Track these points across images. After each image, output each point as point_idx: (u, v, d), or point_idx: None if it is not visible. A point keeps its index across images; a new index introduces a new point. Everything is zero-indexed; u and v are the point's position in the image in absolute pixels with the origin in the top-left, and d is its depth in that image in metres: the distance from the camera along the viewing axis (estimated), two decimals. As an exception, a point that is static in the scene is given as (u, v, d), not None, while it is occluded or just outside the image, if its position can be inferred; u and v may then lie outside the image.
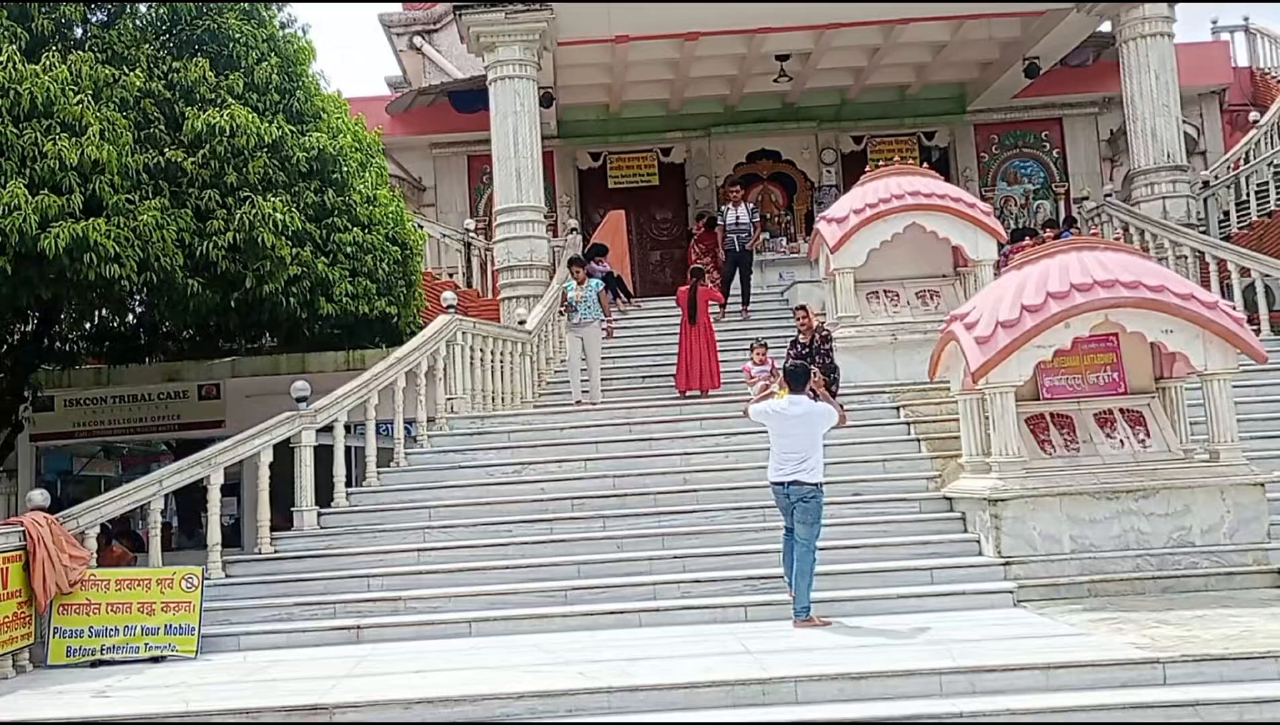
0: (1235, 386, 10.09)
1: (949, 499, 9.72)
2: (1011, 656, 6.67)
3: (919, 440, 10.86)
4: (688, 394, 13.02)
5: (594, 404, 12.79)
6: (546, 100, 18.83)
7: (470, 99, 20.78)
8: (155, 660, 8.42)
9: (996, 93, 20.98)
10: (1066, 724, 5.99)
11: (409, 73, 25.85)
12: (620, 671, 6.89)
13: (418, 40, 24.96)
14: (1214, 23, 22.91)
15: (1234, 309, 9.46)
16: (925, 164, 21.62)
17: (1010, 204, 21.86)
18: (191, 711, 6.72)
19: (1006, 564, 8.74)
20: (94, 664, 8.42)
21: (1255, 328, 13.73)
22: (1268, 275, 13.89)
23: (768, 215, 21.79)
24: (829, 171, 22.04)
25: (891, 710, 6.22)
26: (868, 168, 15.85)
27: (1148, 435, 9.29)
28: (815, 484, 8.21)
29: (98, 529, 9.10)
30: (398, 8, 25.40)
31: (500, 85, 16.55)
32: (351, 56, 53.10)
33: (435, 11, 24.76)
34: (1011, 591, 8.47)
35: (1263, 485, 8.83)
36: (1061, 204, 21.45)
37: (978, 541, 9.10)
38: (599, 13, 16.55)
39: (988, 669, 6.51)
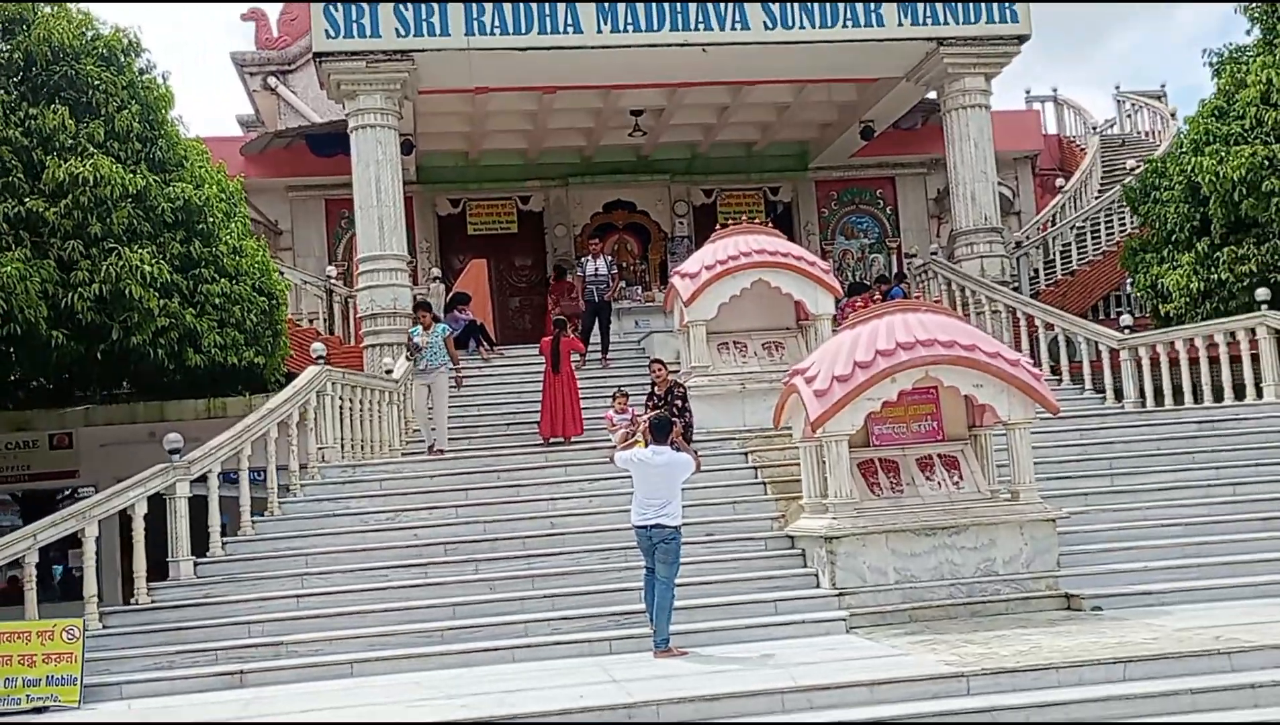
0: (1035, 433, 11.51)
1: (791, 537, 10.71)
2: (842, 676, 7.65)
3: (765, 483, 11.85)
4: (551, 441, 13.75)
5: (441, 453, 13.10)
6: (407, 147, 19.25)
7: (328, 142, 20.97)
8: (38, 711, 8.63)
9: (836, 152, 22.41)
10: (857, 721, 7.02)
11: (263, 112, 25.80)
12: (499, 702, 7.58)
13: (272, 81, 24.90)
14: (1028, 92, 25.17)
15: (1034, 366, 10.76)
16: (770, 218, 23.05)
17: (848, 257, 23.36)
18: (90, 755, 7.09)
19: (840, 595, 9.76)
20: (-24, 716, 8.61)
21: (1058, 378, 15.39)
22: (1067, 330, 15.49)
23: (624, 264, 22.72)
24: (681, 222, 23.10)
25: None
26: (719, 224, 16.91)
27: (961, 478, 10.48)
28: (675, 527, 9.04)
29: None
30: (250, 45, 25.38)
31: (362, 134, 16.87)
32: (203, 92, 52.24)
33: (290, 52, 24.80)
34: (844, 619, 9.49)
35: (1054, 521, 10.11)
36: (894, 258, 23.03)
37: (816, 575, 10.11)
38: (459, 64, 17.06)
39: (822, 687, 7.45)
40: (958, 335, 10.08)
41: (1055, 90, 25.05)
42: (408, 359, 14.17)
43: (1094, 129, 23.85)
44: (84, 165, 11.69)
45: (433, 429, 13.43)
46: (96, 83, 12.54)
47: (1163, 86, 24.83)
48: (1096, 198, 20.77)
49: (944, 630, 9.13)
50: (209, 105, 53.75)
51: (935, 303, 12.95)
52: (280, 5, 24.37)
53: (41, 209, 11.66)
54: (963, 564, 9.93)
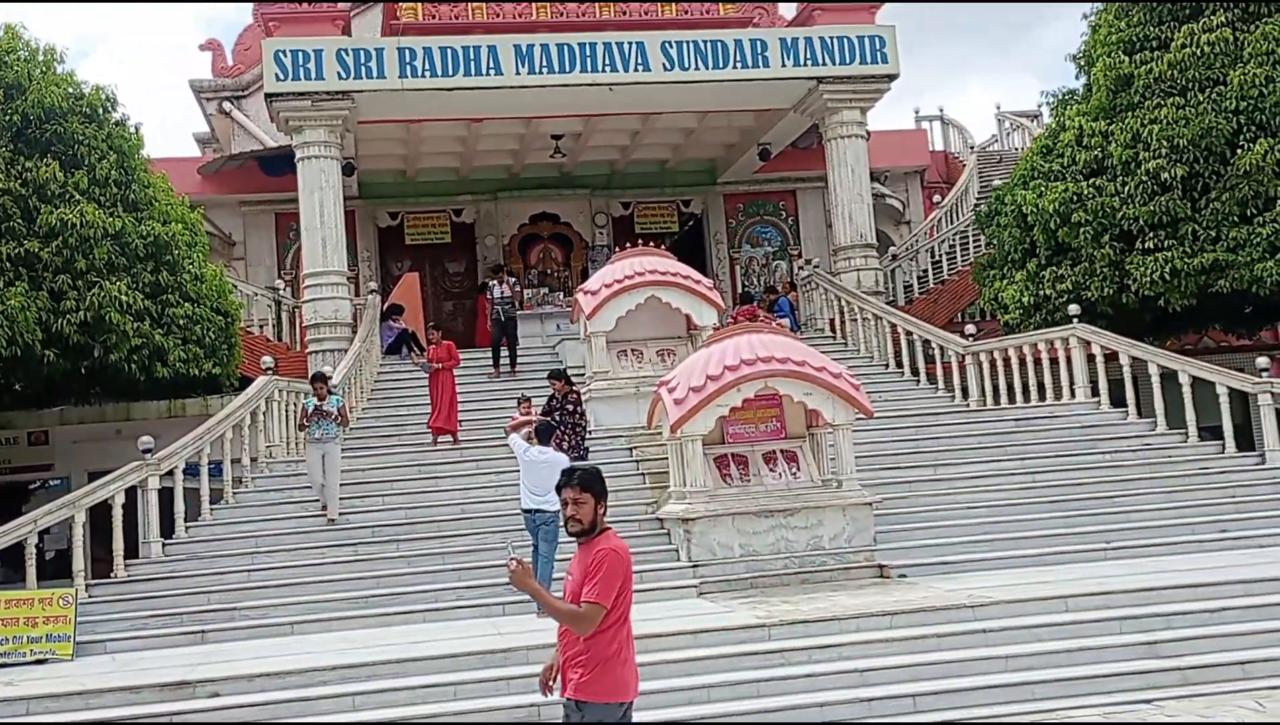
0: (879, 428, 13.79)
1: (660, 519, 12.89)
2: (676, 626, 9.84)
3: (644, 474, 14.01)
4: (440, 439, 15.53)
5: (332, 522, 12.98)
6: (349, 169, 21.13)
7: (277, 164, 22.81)
8: (39, 662, 10.59)
9: (741, 168, 24.51)
10: (678, 659, 9.22)
11: (218, 132, 27.68)
12: (406, 650, 9.68)
13: (227, 105, 26.85)
14: (916, 112, 27.55)
15: (854, 377, 13.00)
16: (685, 226, 25.29)
17: (753, 264, 25.53)
18: (88, 690, 9.09)
19: (695, 567, 11.96)
20: (-11, 666, 10.53)
21: (916, 378, 17.72)
22: (921, 336, 17.80)
23: (549, 271, 24.88)
24: (601, 233, 25.16)
25: (590, 664, 9.29)
26: (638, 241, 18.96)
27: (799, 469, 12.73)
28: (554, 512, 11.17)
29: (-12, 560, 11.24)
30: (206, 73, 27.21)
31: (307, 164, 18.91)
32: (162, 112, 53.85)
33: (244, 79, 26.71)
34: (696, 586, 11.69)
35: (871, 504, 12.37)
36: (796, 265, 25.28)
37: (677, 551, 12.31)
38: (395, 101, 19.10)
39: (658, 635, 9.58)
40: (791, 352, 12.31)
41: (941, 110, 27.50)
42: (300, 429, 14.01)
43: (971, 148, 26.23)
44: (72, 212, 13.82)
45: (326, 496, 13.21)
46: (81, 138, 14.64)
47: (1039, 106, 27.26)
48: (973, 211, 23.10)
49: (774, 594, 11.37)
50: (170, 126, 55.37)
51: (777, 325, 15.16)
52: (235, 35, 26.24)
53: (37, 249, 13.73)
54: (796, 540, 12.17)
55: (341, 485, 13.79)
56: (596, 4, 20.37)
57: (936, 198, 24.05)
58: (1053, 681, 8.83)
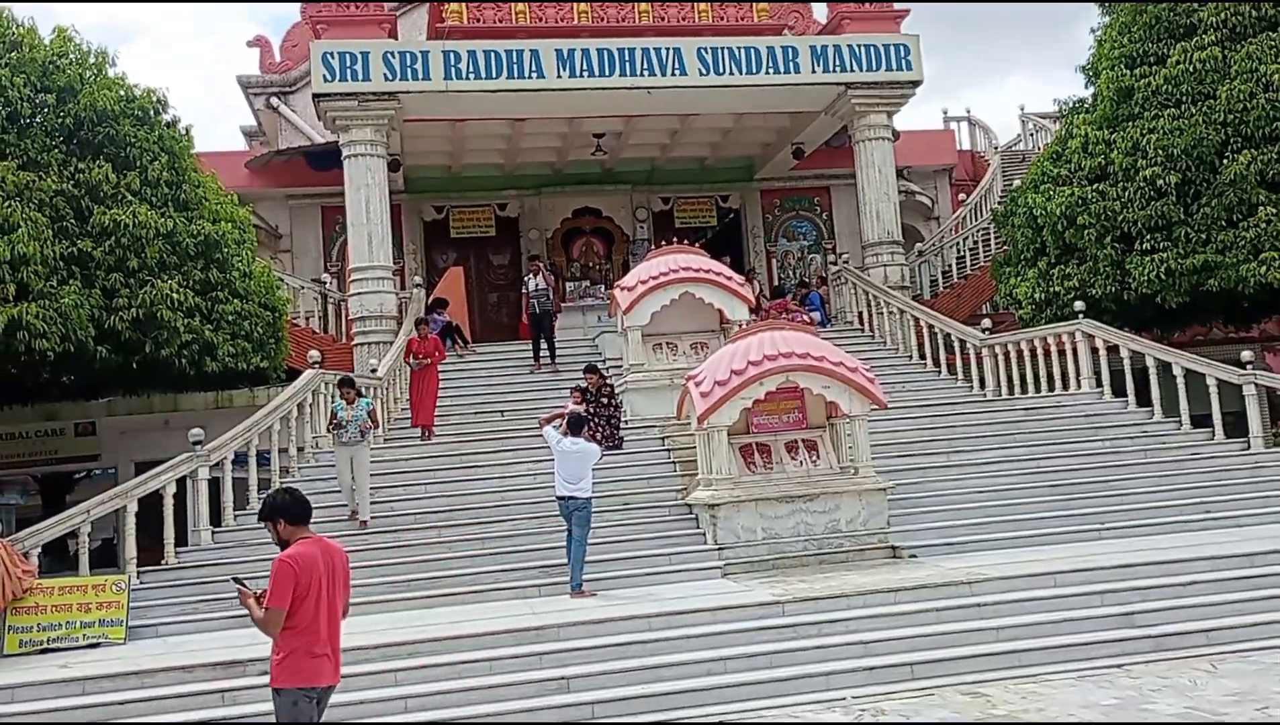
0: (897, 418, 14.29)
1: (689, 505, 13.49)
2: (698, 604, 10.46)
3: (675, 463, 14.62)
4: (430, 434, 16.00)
5: (363, 524, 13.28)
6: (394, 165, 21.90)
7: (323, 158, 23.60)
8: (93, 646, 11.05)
9: (777, 165, 25.08)
10: (699, 634, 9.81)
11: (265, 126, 28.48)
12: (447, 629, 10.35)
13: (274, 101, 27.66)
14: (945, 113, 27.95)
15: (873, 370, 13.54)
16: (729, 217, 25.87)
17: (789, 257, 26.09)
18: (143, 670, 9.70)
19: (720, 549, 12.57)
20: (43, 651, 11.02)
21: (937, 369, 18.21)
22: (941, 329, 18.32)
23: (590, 264, 25.53)
24: (642, 227, 25.79)
25: (617, 639, 9.94)
26: (677, 236, 19.57)
27: (819, 457, 13.30)
28: (586, 498, 11.85)
29: (39, 549, 11.76)
30: (254, 68, 28.07)
31: (354, 161, 19.65)
32: (210, 104, 55.15)
33: (291, 75, 27.50)
34: (721, 567, 12.31)
35: (884, 490, 12.92)
36: (830, 259, 25.77)
37: (704, 534, 12.91)
38: (440, 102, 19.83)
39: (680, 612, 10.28)
40: (811, 348, 12.87)
41: (969, 111, 27.95)
42: (329, 432, 14.17)
43: (995, 148, 26.62)
44: (125, 212, 14.31)
45: (357, 499, 13.56)
46: (132, 140, 15.08)
47: (1060, 109, 27.49)
48: (993, 210, 23.50)
49: (793, 574, 11.97)
50: (219, 119, 56.63)
51: (807, 319, 15.71)
52: (283, 32, 27.11)
53: (90, 248, 14.17)
54: (814, 524, 12.75)
55: (385, 474, 14.46)
56: (635, 4, 20.99)
57: (963, 196, 24.45)
58: (1037, 649, 9.54)
